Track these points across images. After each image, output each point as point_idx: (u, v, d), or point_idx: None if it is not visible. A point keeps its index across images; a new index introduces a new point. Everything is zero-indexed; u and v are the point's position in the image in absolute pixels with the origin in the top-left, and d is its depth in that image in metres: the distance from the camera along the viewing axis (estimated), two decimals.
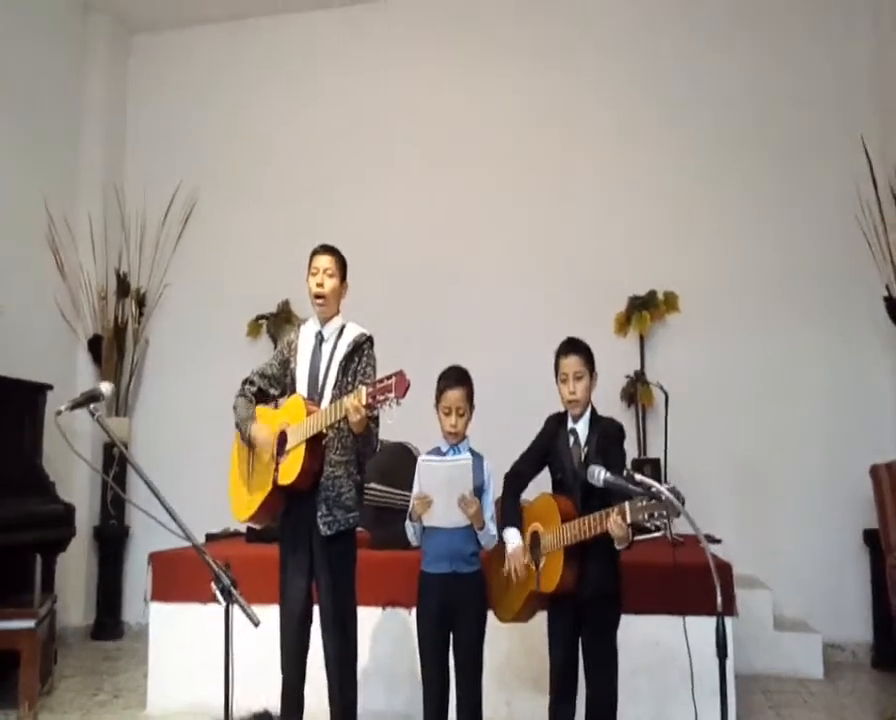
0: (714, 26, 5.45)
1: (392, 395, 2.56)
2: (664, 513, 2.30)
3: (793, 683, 4.24)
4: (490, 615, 2.86)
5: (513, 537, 2.76)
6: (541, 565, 2.69)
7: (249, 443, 3.02)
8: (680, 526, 3.73)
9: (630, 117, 5.51)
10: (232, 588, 1.87)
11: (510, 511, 2.81)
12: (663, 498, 2.28)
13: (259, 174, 6.01)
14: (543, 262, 5.48)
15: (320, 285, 3.01)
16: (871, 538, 4.60)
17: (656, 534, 4.10)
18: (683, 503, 2.26)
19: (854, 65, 5.20)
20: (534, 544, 2.75)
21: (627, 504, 2.40)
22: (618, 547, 2.55)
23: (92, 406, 2.11)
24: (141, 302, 6.01)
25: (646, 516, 2.35)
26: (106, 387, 2.18)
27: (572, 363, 2.75)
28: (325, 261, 3.03)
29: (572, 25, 5.66)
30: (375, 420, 2.91)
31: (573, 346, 2.80)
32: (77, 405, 2.12)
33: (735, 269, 5.24)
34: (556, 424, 2.84)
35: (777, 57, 5.33)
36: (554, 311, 5.21)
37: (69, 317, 5.75)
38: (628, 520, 2.41)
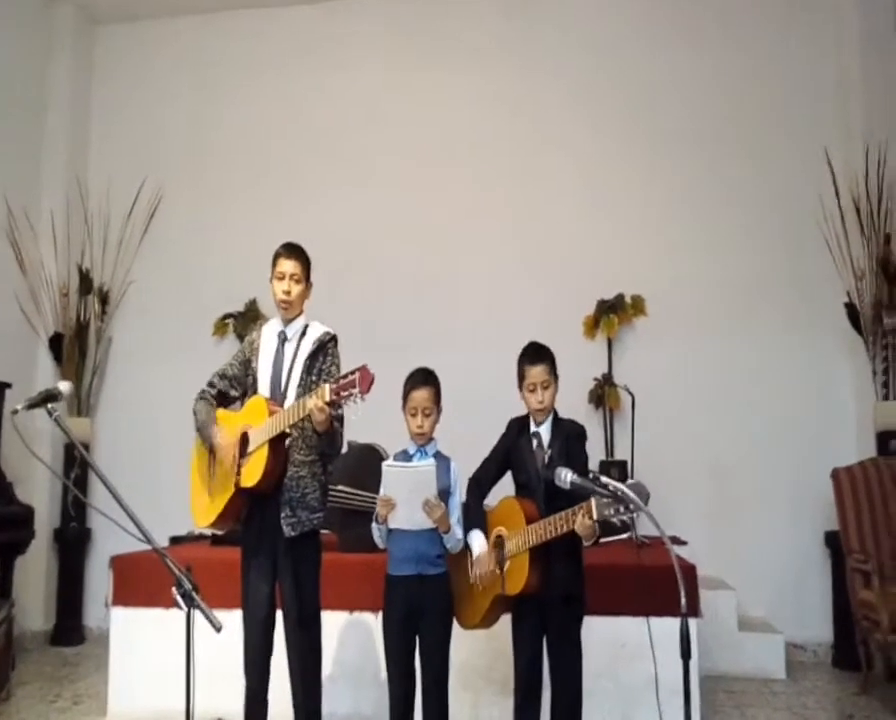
0: (687, 37, 5.52)
1: (356, 390, 2.53)
2: (630, 507, 2.31)
3: (756, 683, 4.30)
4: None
5: (478, 542, 2.75)
6: (506, 568, 2.69)
7: (211, 449, 2.97)
8: (646, 528, 3.77)
9: (601, 124, 5.55)
10: (193, 593, 1.83)
11: (474, 515, 2.81)
12: (624, 496, 2.30)
13: (226, 171, 5.94)
14: (512, 264, 5.50)
15: (287, 292, 2.96)
16: (832, 540, 4.69)
17: (623, 536, 4.15)
18: (648, 498, 2.28)
19: (819, 81, 5.30)
20: (498, 547, 2.74)
21: (593, 501, 2.41)
22: (585, 544, 2.56)
23: (50, 406, 2.07)
24: (104, 299, 5.89)
25: (612, 511, 2.37)
26: (65, 386, 2.14)
27: (539, 372, 2.75)
28: (290, 266, 2.98)
29: (551, 28, 5.69)
30: (340, 420, 2.88)
31: (539, 355, 2.79)
32: (34, 404, 2.07)
33: (702, 274, 5.31)
34: (518, 427, 2.84)
35: (746, 70, 5.42)
36: (523, 313, 5.24)
37: (29, 313, 5.62)
38: (594, 517, 2.42)
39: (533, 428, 2.79)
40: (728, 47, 5.47)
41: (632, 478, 4.70)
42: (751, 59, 5.42)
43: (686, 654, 2.13)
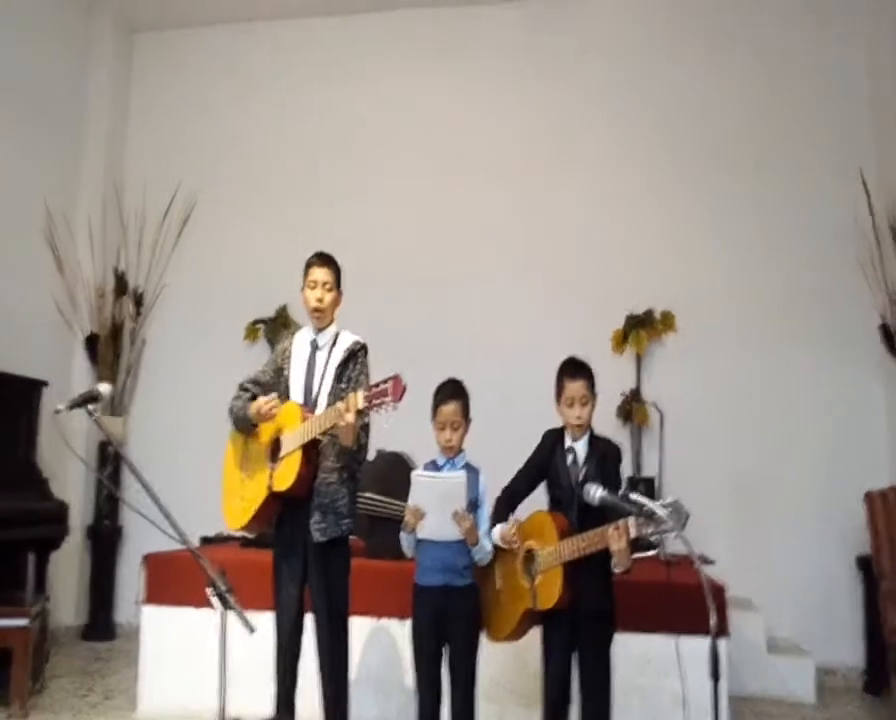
0: (716, 50, 5.49)
1: (388, 399, 2.56)
2: (668, 527, 2.29)
3: (785, 706, 4.22)
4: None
5: (499, 528, 2.75)
6: (537, 582, 2.68)
7: (253, 424, 2.96)
8: (674, 545, 3.73)
9: (630, 135, 5.54)
10: (228, 595, 1.86)
11: (499, 518, 2.80)
12: (656, 516, 2.29)
13: (259, 178, 6.01)
14: (541, 277, 5.49)
15: (319, 300, 3.01)
16: (864, 564, 4.61)
17: (650, 553, 4.12)
18: (687, 518, 2.26)
19: (853, 97, 5.24)
20: (528, 561, 2.74)
21: (631, 519, 2.40)
22: (617, 569, 2.54)
23: (90, 407, 2.12)
24: (139, 302, 6.00)
25: (650, 530, 2.35)
26: (105, 388, 2.18)
27: (579, 387, 2.74)
28: (323, 274, 3.03)
29: (574, 41, 5.70)
30: (365, 429, 2.91)
31: (580, 369, 2.78)
32: (75, 405, 2.12)
33: (733, 291, 5.27)
34: (553, 440, 2.83)
35: (778, 83, 5.37)
36: (552, 327, 5.23)
37: (66, 314, 5.74)
38: (632, 534, 2.41)
39: (568, 443, 2.78)
40: (758, 61, 5.42)
41: (661, 495, 4.67)
42: (782, 75, 5.37)
43: (715, 675, 2.12)
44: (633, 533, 2.41)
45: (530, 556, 2.73)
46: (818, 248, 5.16)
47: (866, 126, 5.19)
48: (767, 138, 5.34)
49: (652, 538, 2.36)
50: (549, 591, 2.62)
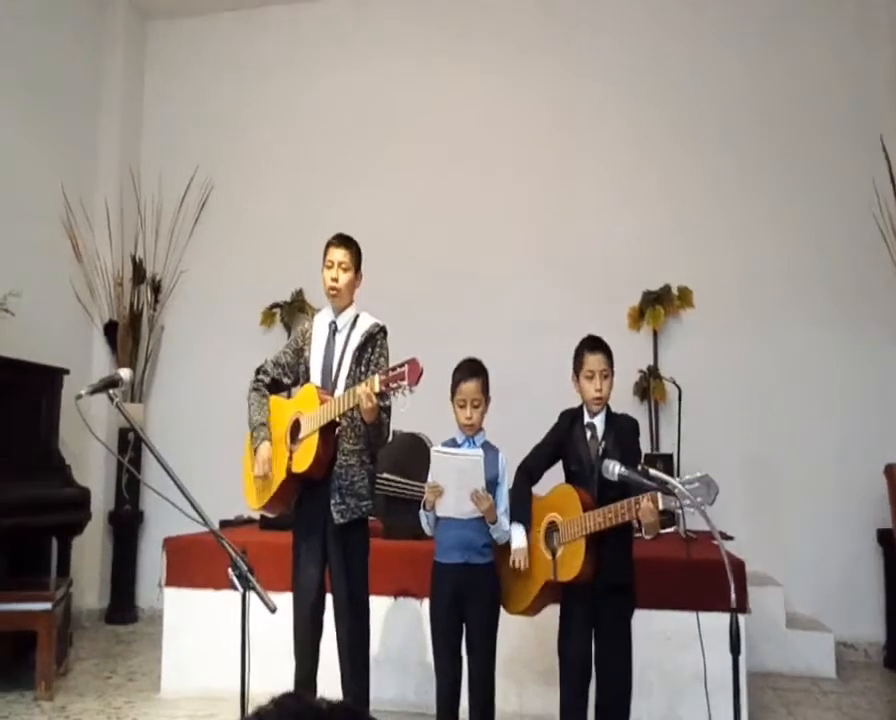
0: (727, 23, 5.41)
1: (405, 382, 2.57)
2: (699, 499, 2.27)
3: (805, 681, 4.22)
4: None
5: (518, 536, 2.75)
6: (558, 554, 2.67)
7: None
8: (694, 522, 3.73)
9: (644, 112, 5.48)
10: (249, 574, 1.88)
11: (519, 506, 2.81)
12: (677, 491, 2.28)
13: (274, 163, 6.01)
14: (557, 255, 5.46)
15: (335, 280, 3.02)
16: (885, 538, 4.58)
17: (669, 530, 4.12)
18: (716, 493, 2.25)
19: (872, 64, 5.15)
20: (550, 533, 2.73)
21: (660, 493, 2.39)
22: (647, 536, 2.53)
23: (111, 391, 2.14)
24: (157, 288, 6.03)
25: (678, 503, 2.33)
26: (125, 373, 2.20)
27: (599, 361, 2.74)
28: (340, 254, 3.04)
29: (586, 24, 5.64)
30: (387, 411, 2.92)
31: (599, 344, 2.78)
32: (97, 390, 2.14)
33: (750, 265, 5.21)
34: (570, 419, 2.83)
35: (793, 55, 5.29)
36: (568, 304, 5.21)
37: (85, 302, 5.78)
38: (660, 506, 2.40)
39: (587, 419, 2.78)
40: (774, 32, 5.33)
41: (678, 471, 4.65)
42: (799, 43, 5.28)
43: (735, 650, 2.11)
44: (661, 505, 2.39)
45: (552, 528, 2.72)
46: (838, 219, 5.09)
47: (886, 93, 5.09)
48: (784, 110, 5.26)
49: (678, 510, 2.34)
50: (571, 563, 2.62)
